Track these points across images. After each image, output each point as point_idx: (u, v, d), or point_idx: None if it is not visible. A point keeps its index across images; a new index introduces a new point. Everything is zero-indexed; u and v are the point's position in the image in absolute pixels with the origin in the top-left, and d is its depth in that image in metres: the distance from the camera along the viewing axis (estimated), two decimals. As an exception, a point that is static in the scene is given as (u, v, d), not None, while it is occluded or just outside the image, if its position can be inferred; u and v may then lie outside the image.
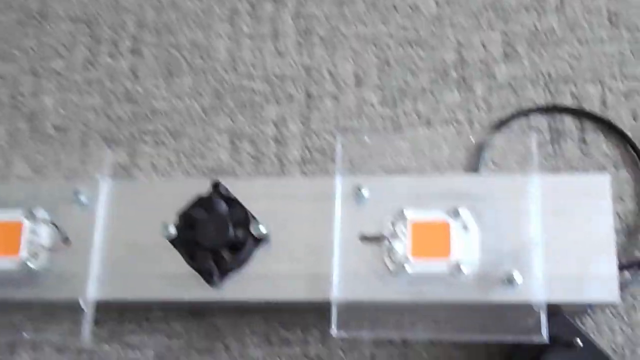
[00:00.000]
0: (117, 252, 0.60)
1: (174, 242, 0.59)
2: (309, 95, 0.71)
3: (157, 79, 0.74)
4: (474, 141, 0.67)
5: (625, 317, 0.61)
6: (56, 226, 0.60)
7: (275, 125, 0.71)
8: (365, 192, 0.58)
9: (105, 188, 0.62)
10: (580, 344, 0.55)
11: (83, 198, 0.61)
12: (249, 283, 0.58)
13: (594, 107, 0.68)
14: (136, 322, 0.65)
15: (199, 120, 0.72)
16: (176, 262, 0.59)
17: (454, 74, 0.71)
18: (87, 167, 0.66)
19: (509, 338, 0.55)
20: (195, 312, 0.65)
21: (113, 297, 0.59)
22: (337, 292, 0.56)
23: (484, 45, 0.71)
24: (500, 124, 0.68)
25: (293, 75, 0.72)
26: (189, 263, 0.59)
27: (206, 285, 0.58)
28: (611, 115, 0.67)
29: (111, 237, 0.60)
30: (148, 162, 0.70)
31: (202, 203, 0.60)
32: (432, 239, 0.57)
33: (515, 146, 0.66)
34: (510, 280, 0.55)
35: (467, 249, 0.57)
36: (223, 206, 0.59)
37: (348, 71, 0.72)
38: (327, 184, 0.59)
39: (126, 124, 0.72)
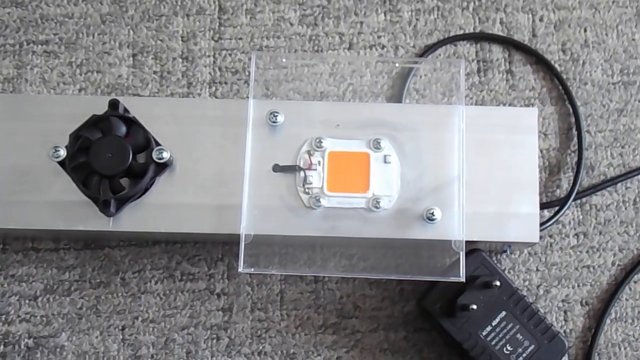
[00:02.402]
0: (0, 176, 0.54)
1: (65, 166, 0.53)
2: (221, 9, 0.65)
3: (50, -19, 0.65)
4: (398, 67, 0.63)
5: (541, 257, 0.60)
6: None
7: (184, 40, 0.64)
8: (280, 117, 0.54)
9: (-14, 102, 0.55)
10: (498, 284, 0.53)
11: (-41, 113, 0.54)
12: (149, 213, 0.53)
13: (523, 37, 0.65)
14: (23, 253, 0.59)
15: (97, 30, 0.64)
16: (68, 188, 0.53)
17: (380, -6, 0.66)
18: (-35, 77, 0.59)
19: (426, 277, 0.53)
20: (90, 242, 0.60)
21: (-6, 225, 0.53)
22: (246, 225, 0.52)
23: (412, -35, 0.67)
24: (426, 51, 0.64)
25: (205, -14, 0.66)
26: (82, 190, 0.53)
27: (102, 215, 0.53)
28: (540, 47, 0.64)
29: (-8, 159, 0.54)
30: (37, 75, 0.63)
31: (97, 123, 0.53)
32: (350, 171, 0.54)
33: (441, 75, 0.63)
34: (429, 217, 0.52)
35: (386, 183, 0.53)
36: (122, 127, 0.53)
37: (266, -16, 0.66)
38: (239, 107, 0.54)
39: (12, 31, 0.64)
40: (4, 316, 0.58)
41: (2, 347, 0.57)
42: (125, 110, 0.54)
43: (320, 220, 0.53)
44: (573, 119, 0.62)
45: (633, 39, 0.64)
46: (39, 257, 0.59)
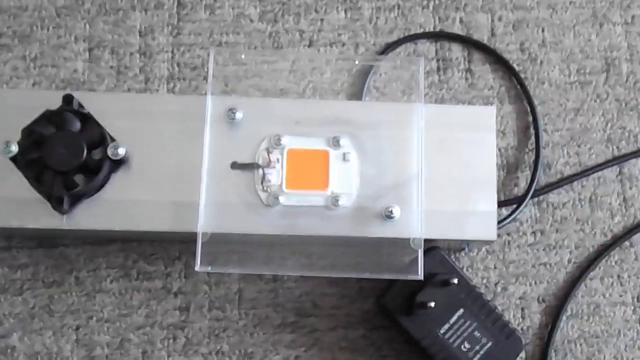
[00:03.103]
0: (-53, 172, 0.52)
1: (17, 162, 0.52)
2: (180, 4, 0.64)
3: (3, -27, 0.64)
4: (358, 65, 0.63)
5: (499, 255, 0.60)
6: None
7: (141, 35, 0.63)
8: (239, 114, 0.53)
9: None
10: (456, 281, 0.53)
11: None
12: (104, 210, 0.52)
13: (482, 36, 0.65)
14: (-28, 251, 0.58)
15: (52, 23, 0.63)
16: (20, 185, 0.52)
17: (341, -8, 0.65)
18: None
19: (384, 275, 0.53)
20: (44, 241, 0.58)
21: (-60, 223, 0.51)
22: (203, 223, 0.51)
23: (373, -37, 0.66)
24: (387, 49, 0.64)
25: (163, -20, 0.65)
26: (34, 187, 0.52)
27: (55, 212, 0.51)
28: (499, 46, 0.65)
29: (-61, 154, 0.52)
30: (-11, 69, 0.61)
31: (51, 118, 0.52)
32: (309, 169, 0.53)
33: (401, 73, 0.63)
34: (388, 215, 0.52)
35: (345, 181, 0.53)
36: (76, 123, 0.52)
37: (226, -20, 0.65)
38: (197, 103, 0.53)
39: (-37, 23, 0.62)
40: (-48, 316, 0.57)
41: (-50, 348, 0.56)
42: (80, 105, 0.53)
43: (279, 218, 0.53)
44: (531, 118, 0.63)
45: (589, 40, 0.65)
46: (-11, 256, 0.58)
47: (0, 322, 0.57)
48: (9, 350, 0.56)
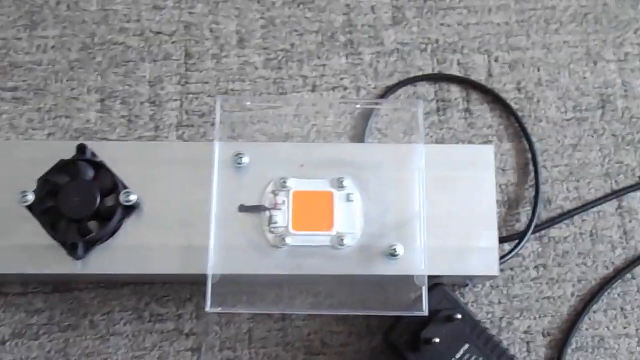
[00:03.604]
0: (-34, 221, 0.54)
1: (33, 210, 0.54)
2: (188, 54, 0.67)
3: (19, 30, 0.67)
4: (360, 108, 0.65)
5: (503, 290, 0.62)
6: None
7: (151, 85, 0.66)
8: (245, 159, 0.55)
9: (-46, 149, 0.55)
10: (460, 317, 0.54)
11: None
12: (117, 255, 0.54)
13: (480, 76, 0.67)
14: (-10, 298, 0.59)
15: (65, 76, 0.65)
16: (36, 232, 0.53)
17: (342, 38, 0.68)
18: None
19: (390, 312, 0.54)
20: (59, 286, 0.60)
21: (-39, 271, 0.53)
22: (213, 265, 0.53)
23: (373, 9, 0.69)
24: (387, 91, 0.66)
25: (171, 32, 0.67)
26: (50, 234, 0.53)
27: (70, 258, 0.53)
28: (496, 86, 0.67)
29: (-41, 204, 0.54)
30: (6, 121, 0.64)
31: (65, 167, 0.54)
32: (315, 210, 0.55)
33: (402, 114, 0.65)
34: (392, 253, 0.54)
35: (349, 221, 0.55)
36: (89, 171, 0.54)
37: (231, 30, 0.68)
38: (205, 149, 0.55)
39: (-19, 78, 0.65)
40: (-29, 362, 0.58)
41: (-31, 393, 0.57)
42: (93, 154, 0.55)
43: (286, 259, 0.54)
44: (529, 155, 0.65)
45: (584, 77, 0.67)
46: (7, 302, 0.59)
47: (17, 367, 0.58)
48: (26, 394, 0.58)
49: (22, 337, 0.59)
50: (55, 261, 0.54)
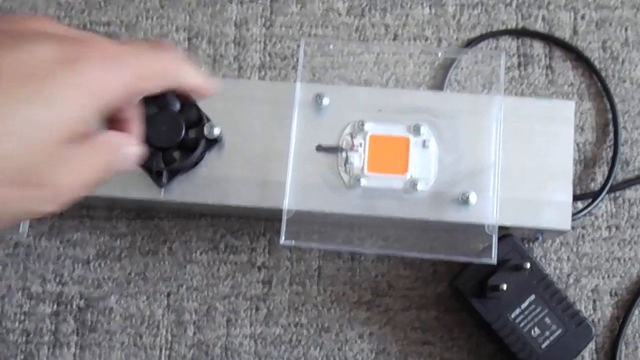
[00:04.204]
0: (60, 144, 0.57)
1: (122, 138, 0.56)
2: (273, -2, 0.68)
3: (114, -33, 0.69)
4: (440, 58, 0.65)
5: (573, 247, 0.62)
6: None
7: (236, 26, 0.67)
8: (325, 100, 0.57)
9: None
10: (528, 267, 0.55)
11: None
12: (198, 185, 0.56)
13: (564, 34, 0.66)
14: (78, 219, 0.63)
15: (156, 14, 0.68)
16: (123, 159, 0.56)
17: (426, -11, 0.68)
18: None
19: (459, 258, 0.55)
20: (141, 212, 0.63)
21: (54, 190, 0.56)
22: (288, 200, 0.54)
23: (459, -39, 0.69)
24: (469, 44, 0.66)
25: (258, -24, 0.69)
26: (137, 161, 0.56)
27: (154, 185, 0.56)
28: (580, 44, 0.66)
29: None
30: (99, 54, 0.67)
31: (154, 100, 0.57)
32: (390, 154, 0.56)
33: (482, 67, 0.65)
34: (464, 201, 0.55)
35: (424, 167, 0.56)
36: (176, 104, 0.57)
37: (317, -24, 0.69)
38: (286, 89, 0.57)
39: (77, 12, 0.68)
40: (58, 277, 0.62)
41: (56, 306, 0.61)
42: (180, 88, 0.57)
43: (359, 199, 0.56)
44: (610, 115, 0.64)
45: (674, 40, 0.66)
46: (92, 224, 0.63)
47: (99, 285, 0.62)
48: (107, 311, 0.61)
49: (105, 258, 0.62)
50: (140, 187, 0.56)
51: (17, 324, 0.61)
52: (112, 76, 0.33)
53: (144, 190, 0.56)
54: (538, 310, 0.55)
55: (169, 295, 0.62)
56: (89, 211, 0.63)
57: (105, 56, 0.32)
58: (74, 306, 0.61)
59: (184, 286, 0.62)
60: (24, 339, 0.61)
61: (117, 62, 0.33)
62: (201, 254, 0.62)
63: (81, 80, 0.31)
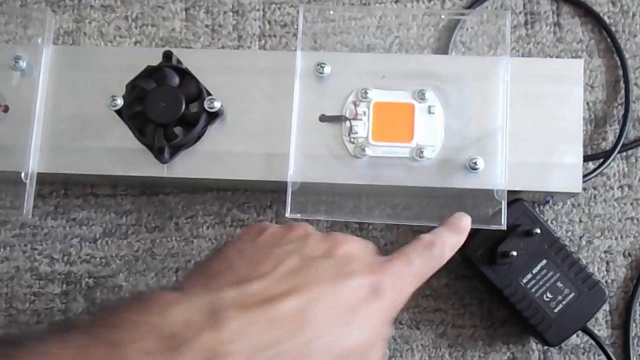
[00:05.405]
0: (60, 124, 0.56)
1: (121, 114, 0.55)
2: (271, -37, 0.66)
3: (106, -62, 0.67)
4: (444, 20, 0.64)
5: (585, 209, 0.61)
6: (-6, 93, 0.56)
7: (234, -6, 0.66)
8: (327, 68, 0.55)
9: (47, 54, 0.57)
10: (538, 232, 0.54)
11: (23, 64, 0.56)
12: (201, 160, 0.56)
13: (572, -11, 0.64)
14: (83, 198, 0.62)
15: (152, -15, 0.66)
16: (124, 136, 0.56)
17: (428, -53, 0.66)
18: (28, 31, 0.61)
19: (468, 225, 0.54)
20: (146, 189, 0.62)
21: (56, 170, 0.56)
22: (293, 173, 0.54)
23: None
24: (473, 4, 0.64)
25: (255, -59, 0.67)
26: (138, 138, 0.55)
27: (156, 161, 0.55)
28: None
29: (54, 107, 0.57)
30: (95, 29, 0.65)
31: (152, 74, 0.56)
32: (395, 122, 0.55)
33: (487, 27, 0.63)
34: (472, 166, 0.53)
35: (430, 133, 0.54)
36: (175, 78, 0.55)
37: (314, -61, 0.67)
38: (287, 58, 0.56)
39: (72, -14, 0.66)
40: (66, 257, 0.62)
41: (65, 285, 0.61)
42: (179, 61, 0.56)
43: (365, 169, 0.55)
44: (621, 72, 0.62)
45: (686, -9, 0.63)
46: (98, 202, 0.62)
47: (107, 263, 0.62)
48: (116, 289, 0.61)
49: (112, 236, 0.62)
50: (143, 164, 0.56)
51: (27, 304, 0.61)
52: (405, 295, 0.44)
53: (146, 167, 0.56)
54: (550, 274, 0.55)
55: (177, 271, 0.61)
56: (93, 189, 0.62)
57: (398, 280, 0.43)
58: (83, 285, 0.61)
59: (192, 261, 0.61)
60: (35, 319, 0.61)
61: (408, 284, 0.44)
62: (208, 228, 0.62)
63: (383, 305, 0.41)
